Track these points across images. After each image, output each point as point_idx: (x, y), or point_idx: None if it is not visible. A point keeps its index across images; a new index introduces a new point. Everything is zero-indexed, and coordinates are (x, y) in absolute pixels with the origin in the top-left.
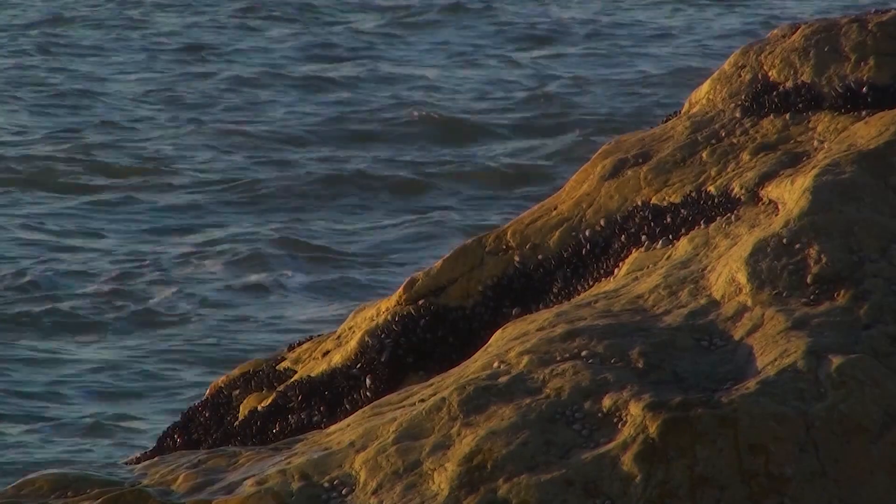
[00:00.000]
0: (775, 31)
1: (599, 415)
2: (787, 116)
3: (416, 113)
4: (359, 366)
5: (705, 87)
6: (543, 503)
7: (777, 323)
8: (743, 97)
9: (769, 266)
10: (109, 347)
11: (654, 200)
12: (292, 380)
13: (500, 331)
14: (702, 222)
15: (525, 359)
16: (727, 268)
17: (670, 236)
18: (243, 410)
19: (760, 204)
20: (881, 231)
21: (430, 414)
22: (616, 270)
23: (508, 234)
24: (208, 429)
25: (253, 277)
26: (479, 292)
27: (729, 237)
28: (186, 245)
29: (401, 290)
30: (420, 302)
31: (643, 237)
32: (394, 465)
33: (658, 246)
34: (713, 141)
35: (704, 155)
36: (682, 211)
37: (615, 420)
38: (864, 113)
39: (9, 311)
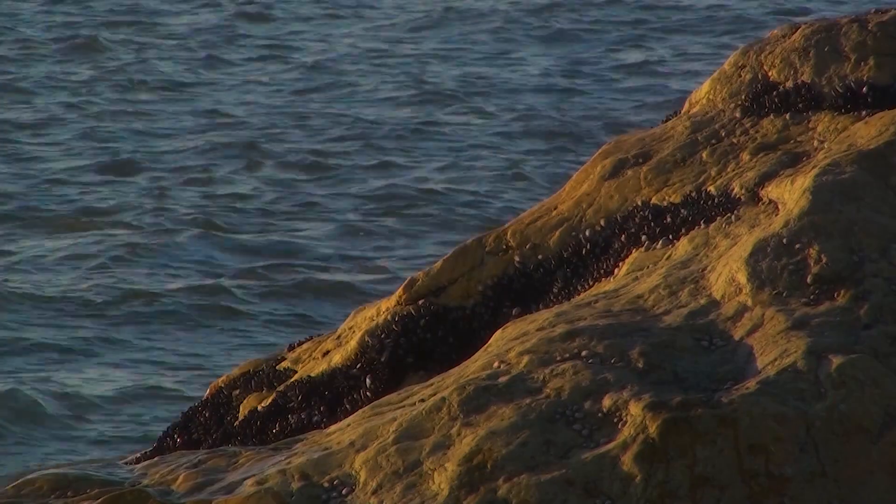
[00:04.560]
0: (775, 31)
1: (599, 415)
2: (787, 116)
3: None
4: (359, 366)
5: (705, 87)
6: (543, 503)
7: (777, 323)
8: (743, 97)
9: (769, 266)
10: None
11: (654, 200)
12: (292, 380)
13: (500, 331)
14: (702, 222)
15: (525, 359)
16: (727, 268)
17: (670, 236)
18: (243, 410)
19: (760, 204)
20: (881, 231)
21: (430, 414)
22: (616, 270)
23: (508, 234)
24: (208, 429)
25: None
26: (479, 292)
27: (729, 237)
28: None
29: (401, 290)
30: (420, 302)
31: (643, 237)
32: (394, 465)
33: (658, 246)
34: (713, 141)
35: (704, 155)
36: (682, 211)
37: (615, 420)
38: (864, 113)
39: None
